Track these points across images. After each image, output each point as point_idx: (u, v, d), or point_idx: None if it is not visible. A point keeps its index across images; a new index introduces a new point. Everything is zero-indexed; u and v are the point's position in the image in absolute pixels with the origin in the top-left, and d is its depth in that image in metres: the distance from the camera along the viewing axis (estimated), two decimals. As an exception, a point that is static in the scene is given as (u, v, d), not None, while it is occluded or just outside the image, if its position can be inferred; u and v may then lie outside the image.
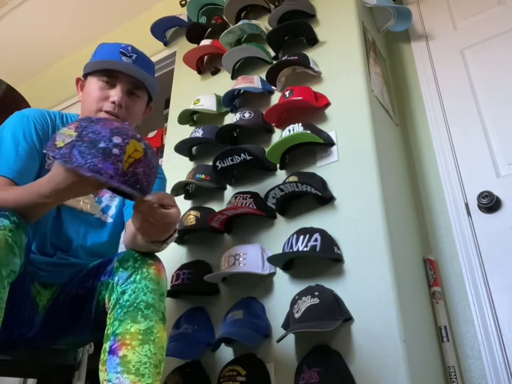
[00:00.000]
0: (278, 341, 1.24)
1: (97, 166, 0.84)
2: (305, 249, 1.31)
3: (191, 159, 1.92)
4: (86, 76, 1.26)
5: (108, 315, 0.99)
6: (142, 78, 1.24)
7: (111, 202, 1.30)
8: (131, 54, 1.23)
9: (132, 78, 1.23)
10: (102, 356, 0.94)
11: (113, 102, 1.20)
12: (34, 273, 1.14)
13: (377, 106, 1.64)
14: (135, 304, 0.96)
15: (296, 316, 1.23)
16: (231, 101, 1.87)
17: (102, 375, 0.92)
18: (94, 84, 1.22)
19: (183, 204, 1.76)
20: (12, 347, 1.11)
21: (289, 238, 1.37)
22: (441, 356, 1.42)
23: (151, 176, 0.91)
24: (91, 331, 1.13)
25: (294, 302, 1.27)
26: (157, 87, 1.30)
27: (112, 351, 0.92)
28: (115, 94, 1.20)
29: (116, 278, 1.01)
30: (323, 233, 1.35)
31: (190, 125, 2.04)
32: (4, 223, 0.89)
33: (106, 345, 0.94)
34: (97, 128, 0.88)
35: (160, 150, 2.66)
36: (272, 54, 1.93)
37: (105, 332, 0.97)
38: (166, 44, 2.53)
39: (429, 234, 1.66)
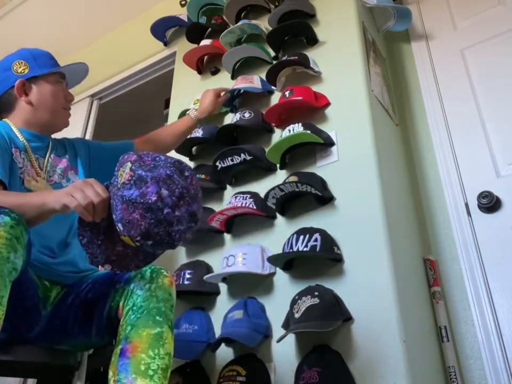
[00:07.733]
0: (278, 341, 1.24)
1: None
2: (305, 249, 1.31)
3: (191, 159, 1.91)
4: (33, 78, 1.29)
5: (121, 322, 1.02)
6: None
7: None
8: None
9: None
10: (112, 359, 0.96)
11: (71, 100, 1.38)
12: (39, 269, 1.14)
13: (377, 106, 1.63)
14: (147, 310, 1.00)
15: (296, 315, 1.23)
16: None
17: (112, 376, 0.93)
18: (53, 84, 1.32)
19: (183, 204, 1.76)
20: (17, 344, 1.10)
21: (289, 238, 1.37)
22: (441, 356, 1.42)
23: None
24: (100, 336, 1.13)
25: (294, 302, 1.27)
26: None
27: (122, 353, 0.95)
28: (69, 93, 1.38)
29: (132, 286, 1.05)
30: (323, 233, 1.35)
31: (190, 125, 2.03)
32: (5, 220, 0.88)
33: (117, 349, 0.97)
34: None
35: (160, 150, 2.66)
36: (272, 54, 1.92)
37: (118, 337, 0.99)
38: (166, 44, 2.53)
39: (429, 234, 1.66)
